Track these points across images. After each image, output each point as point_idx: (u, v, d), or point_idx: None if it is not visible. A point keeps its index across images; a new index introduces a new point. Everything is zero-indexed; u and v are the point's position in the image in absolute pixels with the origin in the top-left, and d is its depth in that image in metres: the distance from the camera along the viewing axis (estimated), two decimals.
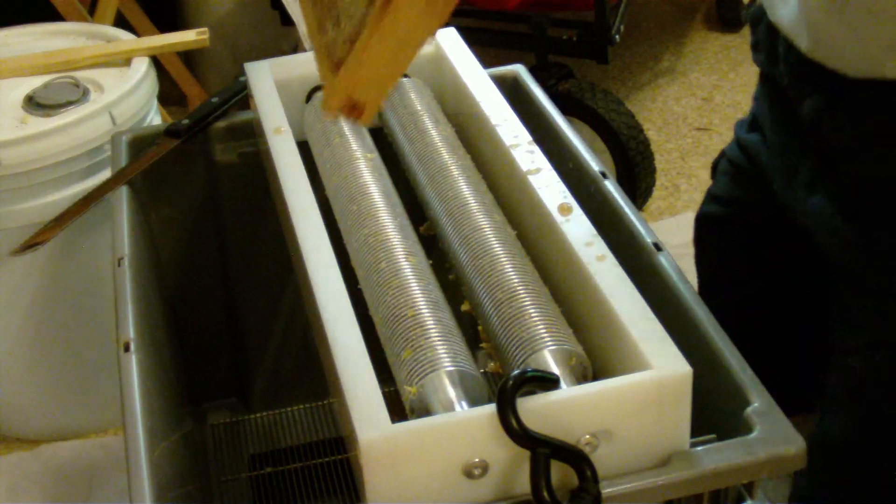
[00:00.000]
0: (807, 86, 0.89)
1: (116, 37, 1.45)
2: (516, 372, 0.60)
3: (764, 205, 1.01)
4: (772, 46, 0.95)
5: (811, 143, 0.91)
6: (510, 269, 0.73)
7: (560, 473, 0.60)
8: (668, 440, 0.63)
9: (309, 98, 0.98)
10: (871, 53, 0.82)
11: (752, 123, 1.04)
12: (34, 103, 1.31)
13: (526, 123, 0.86)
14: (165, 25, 1.84)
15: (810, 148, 0.92)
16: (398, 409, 0.65)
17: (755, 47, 1.02)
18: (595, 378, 0.67)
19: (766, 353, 0.71)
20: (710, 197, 1.10)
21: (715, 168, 1.12)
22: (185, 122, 1.06)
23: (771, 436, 0.64)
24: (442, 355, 0.66)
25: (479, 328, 0.75)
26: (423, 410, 0.65)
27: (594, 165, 0.88)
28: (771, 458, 0.63)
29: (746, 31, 2.45)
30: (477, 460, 0.60)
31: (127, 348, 0.76)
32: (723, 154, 1.10)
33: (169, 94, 1.92)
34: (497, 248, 0.74)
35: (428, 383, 0.65)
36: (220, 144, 1.07)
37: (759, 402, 0.66)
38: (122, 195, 0.96)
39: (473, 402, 0.65)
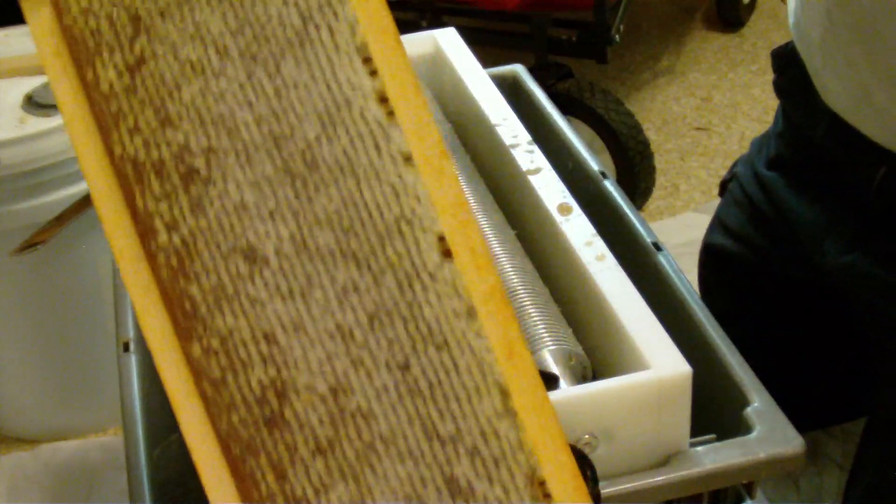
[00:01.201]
0: (863, 156, 0.85)
1: None
2: None
3: (782, 253, 0.98)
4: (812, 107, 0.89)
5: (861, 205, 0.87)
6: (510, 269, 0.73)
7: None
8: (667, 440, 0.63)
9: None
10: None
11: (774, 160, 0.98)
12: (33, 103, 1.31)
13: (525, 123, 0.86)
14: None
15: (851, 208, 0.89)
16: None
17: (783, 92, 0.96)
18: (594, 378, 0.67)
19: (775, 385, 0.70)
20: (721, 224, 1.04)
21: (724, 186, 1.07)
22: None
23: (771, 436, 0.64)
24: None
25: None
26: None
27: (594, 165, 0.88)
28: (771, 458, 0.63)
29: (746, 31, 2.46)
30: None
31: (126, 348, 0.76)
32: (734, 174, 1.04)
33: None
34: (496, 247, 0.74)
35: None
36: None
37: (758, 402, 0.66)
38: None
39: None
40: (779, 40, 0.98)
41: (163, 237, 0.50)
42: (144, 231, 0.50)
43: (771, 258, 1.00)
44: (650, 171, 1.85)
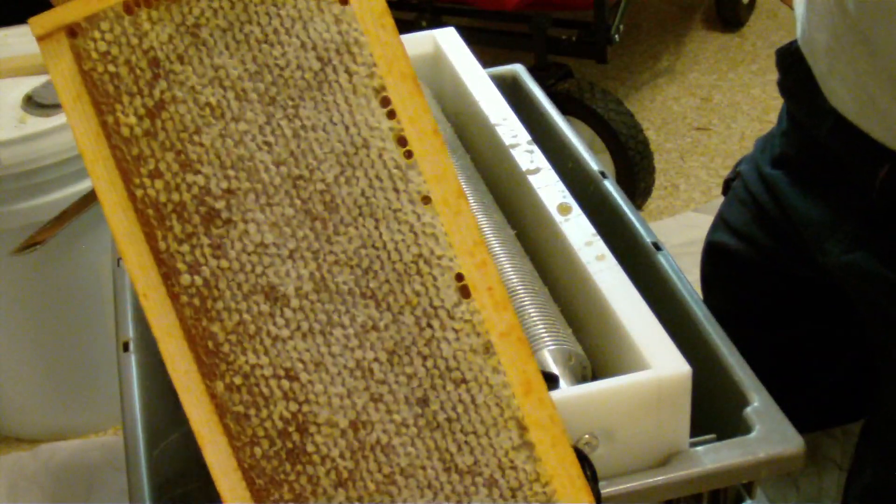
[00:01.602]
0: (866, 155, 0.85)
1: None
2: None
3: (785, 251, 0.98)
4: (816, 107, 0.89)
5: (865, 204, 0.88)
6: (509, 269, 0.73)
7: None
8: (667, 440, 0.63)
9: None
10: None
11: (778, 159, 0.98)
12: (33, 103, 1.31)
13: (525, 123, 0.86)
14: None
15: (854, 207, 0.89)
16: None
17: (788, 91, 0.96)
18: (594, 378, 0.67)
19: (775, 385, 0.70)
20: (724, 222, 1.04)
21: (727, 185, 1.07)
22: None
23: (770, 436, 0.64)
24: None
25: None
26: None
27: (594, 165, 0.88)
28: (770, 458, 0.63)
29: (746, 31, 2.46)
30: None
31: (126, 348, 0.76)
32: (738, 173, 1.04)
33: None
34: (496, 247, 0.74)
35: None
36: None
37: (758, 402, 0.66)
38: None
39: None
40: (778, 40, 0.99)
41: (185, 278, 0.51)
42: (167, 272, 0.51)
43: (774, 256, 1.00)
44: (650, 170, 1.84)
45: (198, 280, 0.51)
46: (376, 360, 0.50)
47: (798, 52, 0.91)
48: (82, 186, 1.26)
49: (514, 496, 0.49)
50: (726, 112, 2.17)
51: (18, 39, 1.46)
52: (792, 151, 0.96)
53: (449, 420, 0.50)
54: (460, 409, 0.50)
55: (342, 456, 0.49)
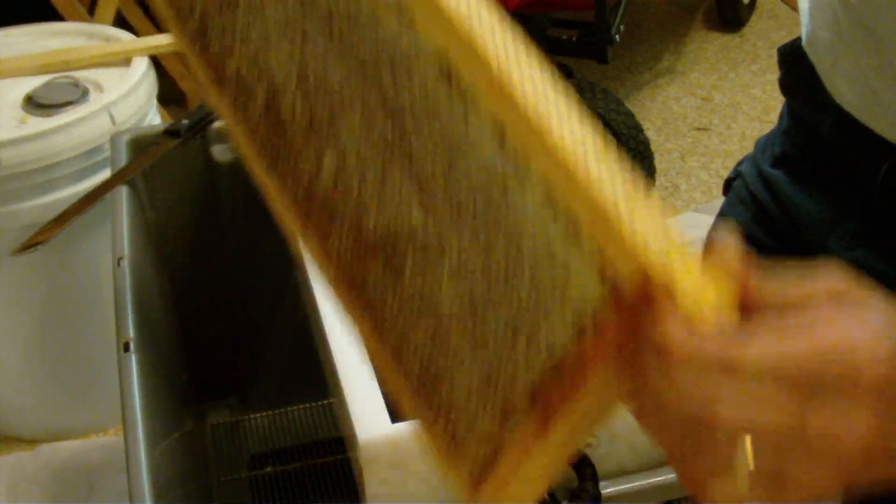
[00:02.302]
0: (869, 151, 0.86)
1: (116, 37, 1.45)
2: None
3: (787, 251, 0.98)
4: (818, 103, 0.89)
5: (866, 201, 0.88)
6: None
7: (560, 473, 0.60)
8: None
9: None
10: None
11: (779, 158, 0.97)
12: (34, 103, 1.31)
13: None
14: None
15: (856, 205, 0.89)
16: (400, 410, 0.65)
17: (789, 89, 0.96)
18: None
19: None
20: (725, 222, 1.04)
21: (728, 184, 1.07)
22: (185, 122, 1.06)
23: None
24: None
25: None
26: None
27: None
28: None
29: (746, 31, 2.46)
30: None
31: (127, 348, 0.76)
32: (739, 173, 1.05)
33: (168, 94, 1.92)
34: None
35: None
36: (220, 144, 1.07)
37: None
38: (122, 195, 0.96)
39: None
40: (779, 40, 0.99)
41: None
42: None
43: (775, 256, 1.00)
44: (651, 171, 1.85)
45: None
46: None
47: (800, 49, 0.91)
48: (82, 186, 1.26)
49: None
50: (727, 112, 2.17)
51: (18, 39, 1.46)
52: (793, 150, 0.96)
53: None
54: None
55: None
